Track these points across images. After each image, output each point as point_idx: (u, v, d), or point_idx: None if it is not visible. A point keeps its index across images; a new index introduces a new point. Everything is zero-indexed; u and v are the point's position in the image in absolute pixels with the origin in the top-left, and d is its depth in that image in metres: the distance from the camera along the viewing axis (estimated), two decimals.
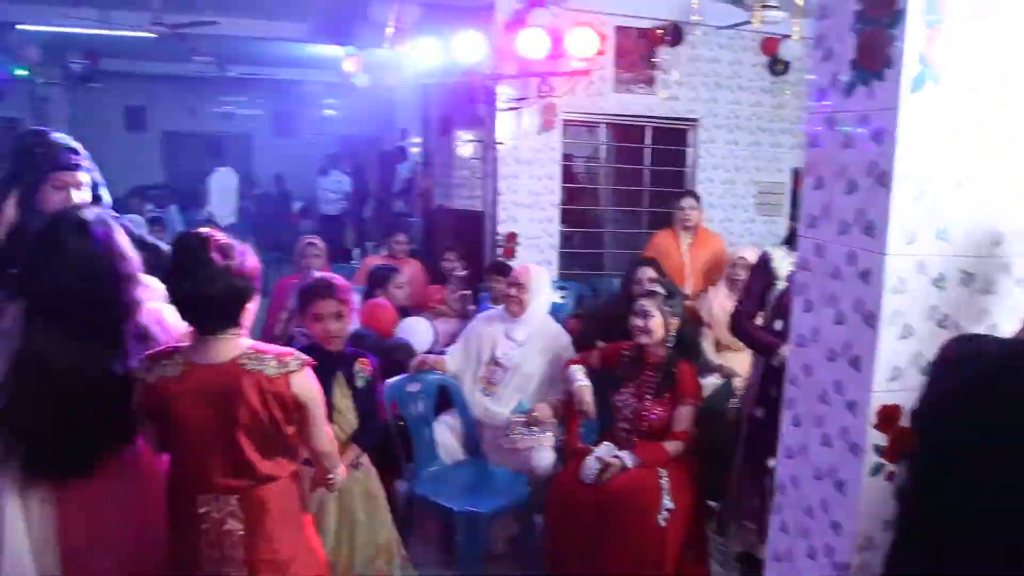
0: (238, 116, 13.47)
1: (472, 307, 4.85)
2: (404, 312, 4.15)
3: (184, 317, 1.85)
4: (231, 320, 1.85)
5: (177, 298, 1.83)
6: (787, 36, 5.53)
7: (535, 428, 3.31)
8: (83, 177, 2.29)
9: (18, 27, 7.46)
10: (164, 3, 6.33)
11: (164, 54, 9.65)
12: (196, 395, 1.80)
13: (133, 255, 1.95)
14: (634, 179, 6.26)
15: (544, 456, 3.31)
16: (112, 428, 1.91)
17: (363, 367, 2.60)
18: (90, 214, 1.95)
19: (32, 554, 1.80)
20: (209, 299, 1.78)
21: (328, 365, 2.46)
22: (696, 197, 4.94)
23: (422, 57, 5.78)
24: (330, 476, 2.13)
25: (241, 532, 1.86)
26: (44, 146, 2.27)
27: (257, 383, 1.80)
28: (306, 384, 1.88)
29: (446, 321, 4.72)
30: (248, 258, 1.86)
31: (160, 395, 1.82)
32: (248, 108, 13.51)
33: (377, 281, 4.15)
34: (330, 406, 2.36)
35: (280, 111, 13.44)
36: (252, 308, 1.90)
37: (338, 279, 2.67)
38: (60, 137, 2.32)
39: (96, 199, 2.36)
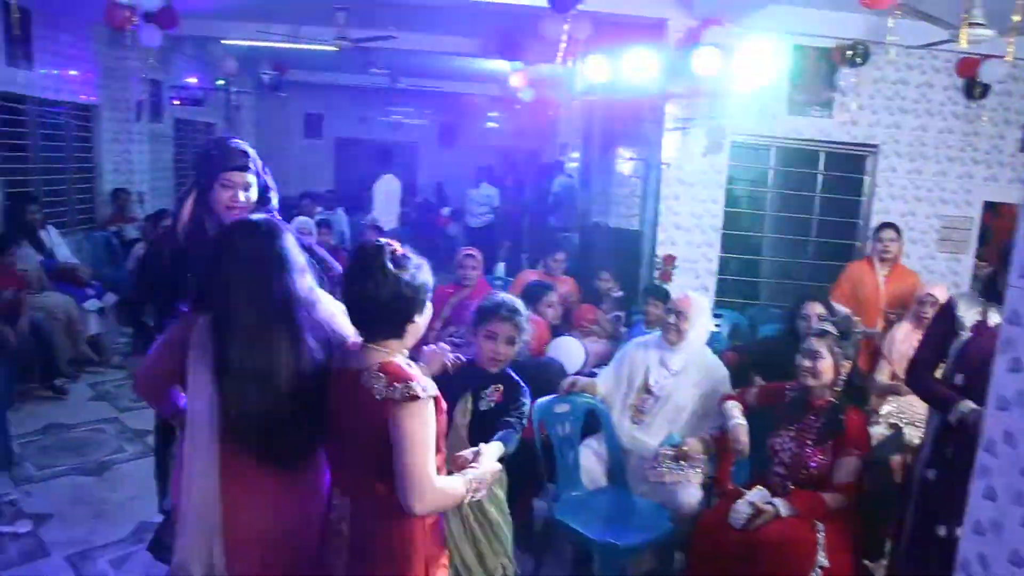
0: (406, 126, 14.11)
1: (624, 329, 4.77)
2: (555, 330, 4.14)
3: (351, 319, 1.89)
4: (392, 330, 1.85)
5: (347, 300, 1.88)
6: (990, 56, 5.04)
7: (683, 463, 3.18)
8: (250, 178, 2.40)
9: (222, 42, 8.19)
10: (348, 18, 6.71)
11: (344, 66, 10.28)
12: (337, 396, 1.87)
13: (300, 257, 1.97)
14: (802, 206, 5.93)
15: (691, 493, 3.17)
16: (313, 423, 1.95)
17: (494, 392, 2.56)
18: (259, 218, 2.03)
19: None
20: (373, 304, 1.80)
21: (465, 380, 2.47)
22: (897, 229, 4.68)
23: (589, 73, 5.77)
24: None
25: (348, 538, 1.89)
26: (219, 148, 2.41)
27: (368, 400, 1.78)
28: (404, 419, 1.74)
29: (597, 341, 4.66)
30: (422, 273, 1.86)
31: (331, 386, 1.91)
32: (415, 119, 14.11)
33: (531, 298, 4.15)
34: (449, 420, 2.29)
35: (445, 122, 13.94)
36: (420, 323, 1.89)
37: (520, 304, 2.65)
38: (235, 142, 2.44)
39: (265, 201, 2.48)
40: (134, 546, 3.36)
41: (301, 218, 6.05)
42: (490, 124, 13.81)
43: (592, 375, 3.99)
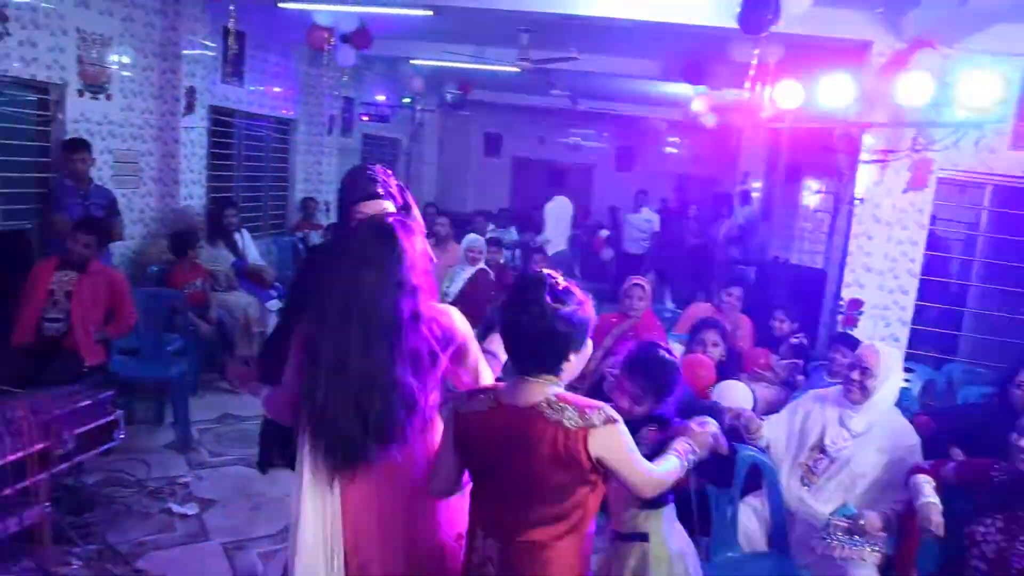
0: (583, 148, 14.10)
1: (801, 377, 4.36)
2: (723, 371, 3.84)
3: (506, 350, 1.84)
4: (547, 364, 1.78)
5: (503, 329, 1.82)
6: None
7: (859, 537, 2.79)
8: (385, 204, 2.37)
9: (410, 62, 8.55)
10: (530, 40, 6.74)
11: (525, 86, 10.41)
12: (496, 433, 1.79)
13: (422, 264, 1.92)
14: (1020, 254, 5.19)
15: (864, 573, 2.78)
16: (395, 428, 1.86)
17: (647, 433, 2.35)
18: (393, 218, 1.99)
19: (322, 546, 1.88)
20: (529, 337, 1.75)
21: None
22: None
23: (778, 99, 5.40)
24: None
25: None
26: (351, 179, 2.46)
27: (553, 434, 1.72)
28: (608, 443, 1.73)
29: (767, 387, 4.31)
30: (583, 309, 1.79)
31: (466, 427, 1.84)
32: (593, 141, 14.08)
33: (698, 334, 3.90)
34: None
35: (623, 146, 13.79)
36: (576, 362, 1.81)
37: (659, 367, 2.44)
38: (368, 171, 2.45)
39: None
40: (280, 544, 3.46)
41: (471, 235, 6.11)
42: (669, 149, 13.49)
43: None
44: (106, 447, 3.45)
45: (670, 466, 1.95)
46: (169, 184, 6.12)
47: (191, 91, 6.07)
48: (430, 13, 5.56)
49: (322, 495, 1.87)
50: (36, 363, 3.91)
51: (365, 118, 9.21)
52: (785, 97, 5.16)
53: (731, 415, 3.09)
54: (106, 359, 4.21)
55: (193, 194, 6.30)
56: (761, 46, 5.01)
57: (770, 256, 6.82)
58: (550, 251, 7.88)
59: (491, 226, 9.15)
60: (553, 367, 1.79)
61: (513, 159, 14.35)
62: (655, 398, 2.39)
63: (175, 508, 3.73)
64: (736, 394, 3.47)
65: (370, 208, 2.40)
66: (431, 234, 6.81)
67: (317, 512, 1.87)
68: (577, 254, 9.43)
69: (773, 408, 3.80)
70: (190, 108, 6.10)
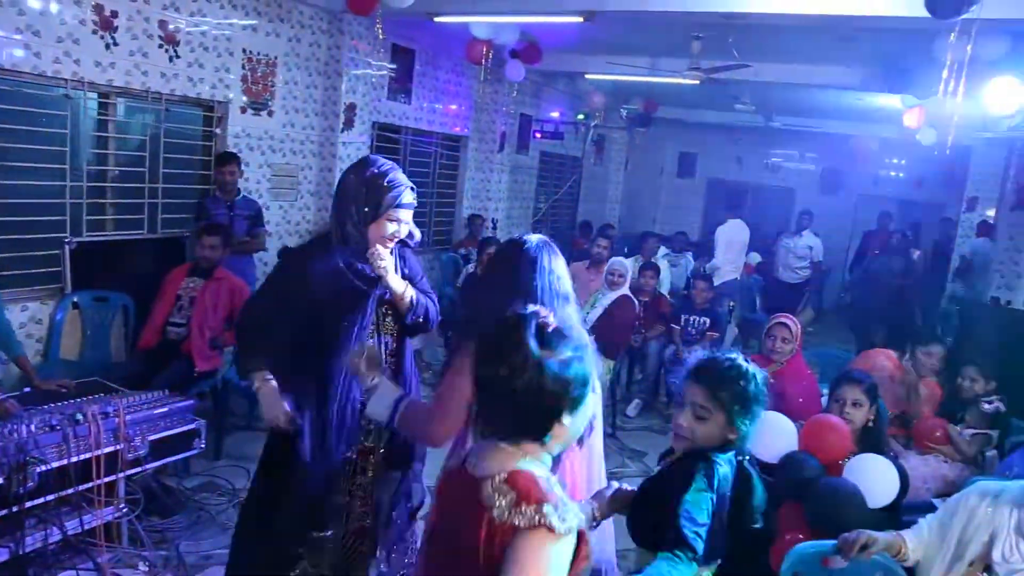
0: (784, 169, 12.92)
1: (992, 454, 3.42)
2: (866, 440, 3.04)
3: (479, 407, 1.48)
4: (530, 430, 1.41)
5: (477, 383, 1.45)
6: None
7: None
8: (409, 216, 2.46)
9: (585, 76, 8.23)
10: (705, 47, 6.14)
11: (710, 102, 9.69)
12: (447, 499, 1.51)
13: (560, 289, 2.05)
14: None
15: None
16: None
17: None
18: (533, 239, 2.12)
19: None
20: (507, 394, 1.37)
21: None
22: None
23: (994, 103, 4.38)
24: None
25: None
26: (394, 183, 2.39)
27: (481, 522, 1.33)
28: (522, 553, 1.29)
29: (945, 462, 3.43)
30: (579, 361, 1.40)
31: (440, 481, 1.59)
32: (795, 162, 12.85)
33: (837, 390, 3.14)
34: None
35: (829, 167, 12.43)
36: (575, 423, 1.43)
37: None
38: (404, 179, 2.43)
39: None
40: None
41: (615, 258, 5.63)
42: (884, 171, 11.98)
43: (926, 506, 2.89)
44: (183, 455, 3.45)
45: None
46: (326, 198, 6.27)
47: (351, 107, 6.19)
48: (580, 19, 5.20)
49: None
50: (151, 365, 4.04)
51: (538, 135, 9.02)
52: (1001, 100, 4.16)
53: (853, 543, 2.19)
54: (219, 366, 4.28)
55: None
56: (971, 39, 4.07)
57: (987, 296, 5.60)
58: (719, 280, 7.11)
59: (664, 250, 8.54)
60: (538, 433, 1.40)
61: (708, 180, 13.49)
62: (728, 416, 1.84)
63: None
64: (875, 474, 2.70)
65: (405, 216, 2.43)
66: (589, 255, 6.45)
67: None
68: (758, 283, 8.47)
69: (951, 487, 2.98)
70: (349, 124, 6.22)
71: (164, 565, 3.24)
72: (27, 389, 3.68)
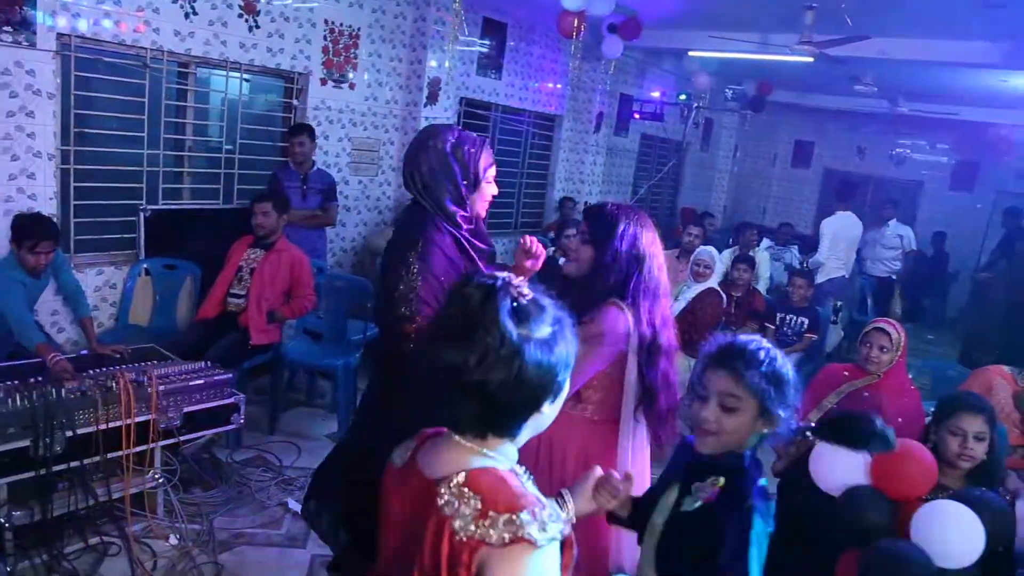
0: (910, 161, 11.82)
1: None
2: (982, 474, 2.55)
3: (434, 400, 1.17)
4: (491, 426, 1.14)
5: (431, 371, 1.13)
6: None
7: None
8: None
9: (689, 53, 7.73)
10: (819, 18, 5.56)
11: (830, 85, 8.94)
12: (396, 508, 1.22)
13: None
14: None
15: None
16: None
17: (709, 487, 1.59)
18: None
19: None
20: (472, 387, 1.08)
21: (676, 463, 1.77)
22: None
23: None
24: None
25: None
26: (485, 145, 2.30)
27: (438, 533, 1.08)
28: (505, 572, 1.03)
29: None
30: (563, 340, 1.14)
31: (384, 483, 1.28)
32: (925, 153, 11.73)
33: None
34: None
35: (962, 160, 11.26)
36: (549, 413, 1.17)
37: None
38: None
39: None
40: None
41: (704, 248, 5.19)
42: None
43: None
44: (221, 429, 3.38)
45: None
46: None
47: (435, 82, 6.02)
48: None
49: None
50: (207, 336, 4.01)
51: (636, 116, 8.57)
52: None
53: None
54: (276, 340, 4.21)
55: None
56: None
57: None
58: (822, 276, 6.50)
59: (767, 243, 7.95)
60: (511, 429, 1.15)
61: (825, 171, 12.56)
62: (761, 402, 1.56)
63: (291, 504, 3.54)
64: (951, 529, 2.21)
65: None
66: (678, 245, 6.04)
67: None
68: (870, 283, 7.71)
69: None
70: (433, 99, 6.05)
71: (195, 539, 3.17)
72: (84, 352, 3.74)
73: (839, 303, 6.68)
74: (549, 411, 1.17)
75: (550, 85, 7.70)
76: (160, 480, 3.20)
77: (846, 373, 3.50)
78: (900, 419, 3.28)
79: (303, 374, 4.89)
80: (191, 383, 3.18)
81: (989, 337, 5.90)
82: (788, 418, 1.60)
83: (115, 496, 2.99)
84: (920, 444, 2.49)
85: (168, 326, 4.50)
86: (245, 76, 5.00)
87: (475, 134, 2.29)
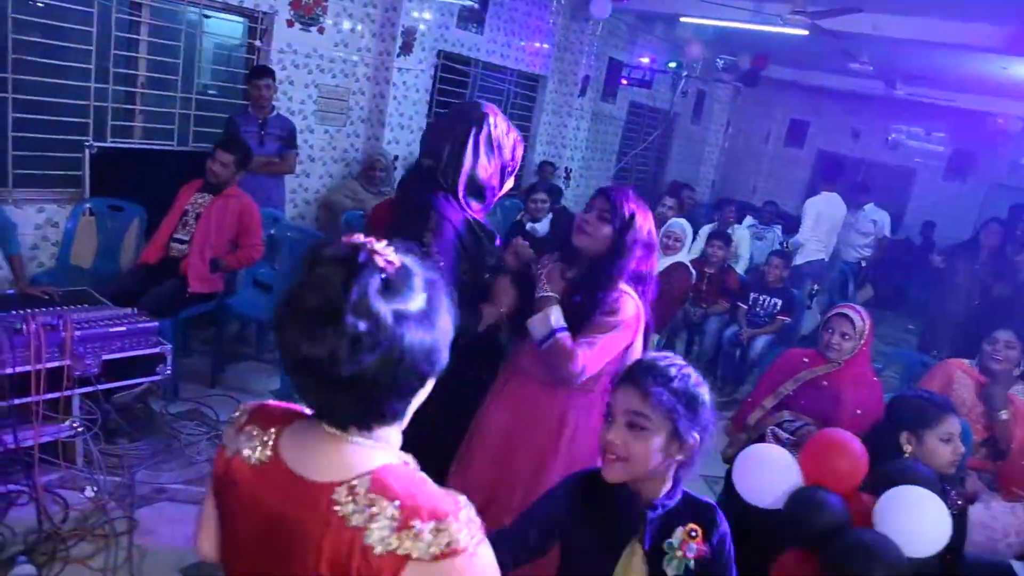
0: (903, 147, 11.61)
1: None
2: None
3: (295, 385, 0.99)
4: (374, 414, 0.98)
5: (285, 358, 0.96)
6: None
7: None
8: None
9: (680, 20, 7.46)
10: None
11: (826, 62, 8.70)
12: (265, 515, 0.99)
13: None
14: None
15: None
16: None
17: (694, 546, 1.44)
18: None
19: None
20: (343, 380, 0.91)
21: (623, 513, 1.49)
22: None
23: None
24: None
25: None
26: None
27: (344, 547, 0.91)
28: None
29: None
30: (439, 305, 0.98)
31: (224, 479, 1.06)
32: (920, 140, 11.51)
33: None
34: None
35: (958, 148, 11.07)
36: (427, 388, 1.02)
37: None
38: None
39: None
40: None
41: (674, 220, 5.00)
42: None
43: (1003, 569, 2.32)
44: (145, 380, 3.21)
45: None
46: (377, 127, 5.91)
47: (409, 31, 5.76)
48: None
49: None
50: (146, 281, 3.82)
51: (624, 82, 8.32)
52: None
53: None
54: (218, 289, 4.03)
55: (400, 139, 6.04)
56: None
57: None
58: (802, 258, 6.33)
59: (750, 220, 7.79)
60: (387, 419, 1.00)
61: (818, 152, 12.33)
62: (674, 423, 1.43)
63: None
64: (915, 513, 2.10)
65: None
66: (656, 216, 5.87)
67: None
68: (852, 267, 7.53)
69: None
70: (407, 49, 5.80)
71: (113, 492, 3.02)
72: (11, 292, 3.56)
73: (815, 287, 6.54)
74: (431, 383, 1.02)
75: (536, 44, 7.43)
76: (79, 429, 3.04)
77: (806, 360, 3.34)
78: (859, 411, 3.14)
79: (253, 327, 4.72)
80: (111, 329, 3.01)
81: (946, 325, 5.78)
82: (704, 443, 1.46)
83: (28, 444, 2.84)
84: (846, 432, 2.35)
85: (112, 269, 4.31)
86: (205, 12, 4.74)
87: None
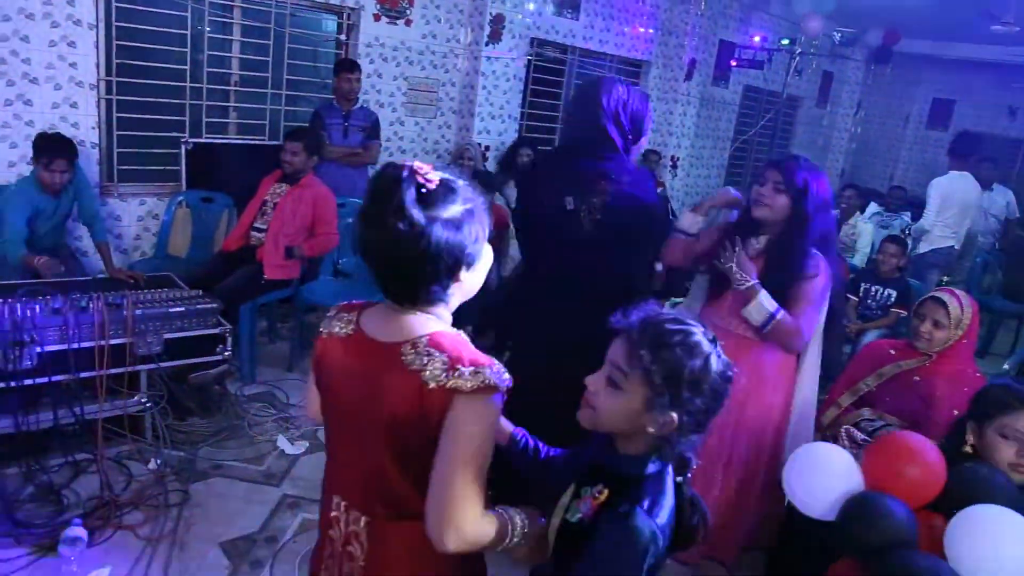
0: None
1: None
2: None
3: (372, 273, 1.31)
4: (421, 295, 1.29)
5: (360, 249, 1.29)
6: None
7: None
8: None
9: None
10: None
11: (967, 30, 7.85)
12: (352, 371, 1.33)
13: None
14: None
15: None
16: None
17: (591, 496, 1.35)
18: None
19: None
20: (391, 261, 1.26)
21: (575, 461, 1.50)
22: None
23: None
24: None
25: (362, 565, 1.38)
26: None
27: (409, 387, 1.24)
28: (469, 418, 1.23)
29: None
30: (471, 220, 1.26)
31: (322, 355, 1.40)
32: None
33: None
34: None
35: None
36: (470, 280, 1.33)
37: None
38: None
39: None
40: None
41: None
42: None
43: None
44: (206, 359, 3.33)
45: (490, 526, 1.30)
46: (468, 117, 5.91)
47: (498, 19, 5.72)
48: None
49: None
50: (226, 268, 3.99)
51: (733, 63, 7.88)
52: None
53: None
54: (293, 276, 4.14)
55: (491, 129, 6.01)
56: None
57: None
58: (927, 246, 5.72)
59: (874, 207, 7.17)
60: (431, 298, 1.30)
61: (963, 134, 11.14)
62: (649, 390, 1.27)
63: (280, 443, 3.48)
64: (997, 539, 1.77)
65: None
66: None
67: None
68: (996, 256, 6.71)
69: None
70: (496, 37, 5.76)
71: (175, 466, 3.16)
72: (100, 275, 3.82)
73: (944, 278, 5.90)
74: (469, 278, 1.31)
75: (637, 28, 7.18)
76: (147, 404, 3.21)
77: (892, 352, 2.99)
78: (956, 412, 2.76)
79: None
80: (171, 310, 3.15)
81: None
82: (686, 428, 1.27)
83: (101, 416, 3.02)
84: (922, 437, 2.05)
85: (204, 257, 4.54)
86: (293, 10, 4.90)
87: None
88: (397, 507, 1.33)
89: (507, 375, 1.25)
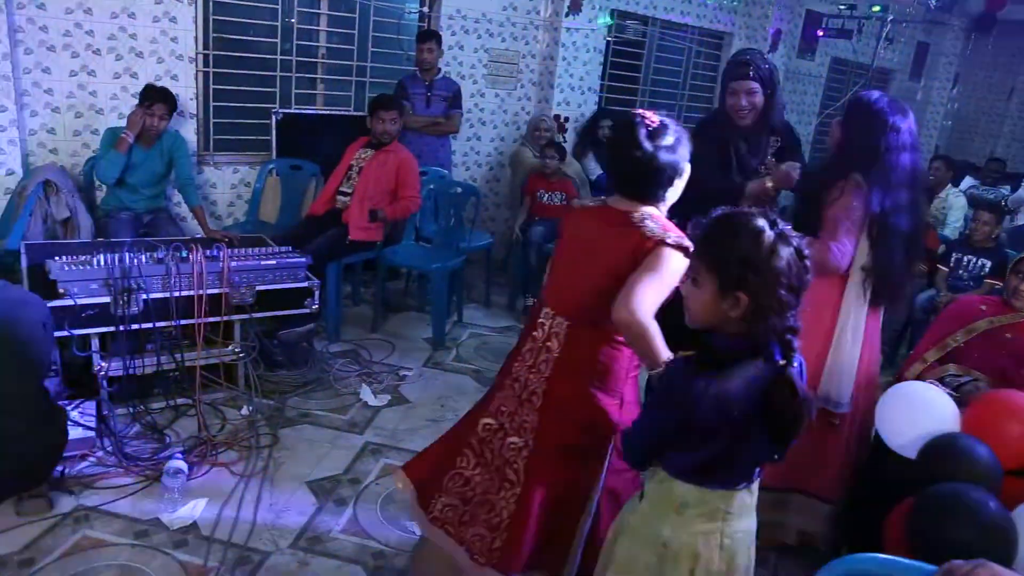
0: None
1: None
2: None
3: (613, 181, 1.98)
4: (649, 195, 1.89)
5: (608, 166, 2.24)
6: None
7: None
8: (752, 85, 2.86)
9: None
10: None
11: None
12: (594, 223, 1.94)
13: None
14: None
15: None
16: None
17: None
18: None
19: None
20: (630, 174, 1.89)
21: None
22: None
23: None
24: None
25: (556, 355, 1.95)
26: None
27: (633, 234, 1.81)
28: (664, 259, 1.76)
29: None
30: (680, 145, 1.86)
31: (570, 217, 2.08)
32: None
33: None
34: None
35: None
36: (679, 185, 1.92)
37: None
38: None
39: None
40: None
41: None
42: None
43: None
44: (295, 312, 3.49)
45: (660, 348, 1.65)
46: (547, 89, 5.94)
47: None
48: None
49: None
50: (315, 231, 4.15)
51: (820, 33, 7.61)
52: None
53: None
54: (377, 239, 4.27)
55: (570, 100, 6.02)
56: None
57: None
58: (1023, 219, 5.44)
59: (969, 181, 6.85)
60: (655, 197, 1.90)
61: None
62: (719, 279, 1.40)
63: (363, 394, 3.62)
64: None
65: (740, 87, 2.86)
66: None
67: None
68: None
69: None
70: (576, 8, 5.76)
71: (265, 413, 3.33)
72: (199, 235, 4.04)
73: None
74: (678, 183, 1.90)
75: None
76: (240, 354, 3.40)
77: (983, 307, 2.90)
78: None
79: (415, 279, 4.97)
80: (263, 263, 3.32)
81: None
82: (764, 311, 1.34)
83: (199, 364, 3.23)
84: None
85: (293, 223, 4.73)
86: None
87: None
88: (592, 317, 1.87)
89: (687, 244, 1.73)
